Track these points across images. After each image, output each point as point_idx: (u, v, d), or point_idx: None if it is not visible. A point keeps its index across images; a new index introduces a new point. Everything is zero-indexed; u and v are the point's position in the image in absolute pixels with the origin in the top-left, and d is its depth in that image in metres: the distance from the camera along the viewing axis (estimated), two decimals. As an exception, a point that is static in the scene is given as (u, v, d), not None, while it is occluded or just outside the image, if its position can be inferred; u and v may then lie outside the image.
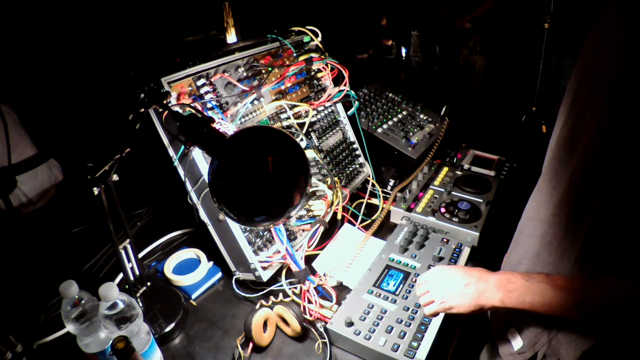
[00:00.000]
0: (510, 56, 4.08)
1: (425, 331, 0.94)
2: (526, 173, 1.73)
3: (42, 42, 1.84)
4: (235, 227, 1.06)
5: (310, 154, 1.28)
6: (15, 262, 1.32)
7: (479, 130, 2.75)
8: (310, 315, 1.04)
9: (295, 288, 1.12)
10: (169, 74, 1.00)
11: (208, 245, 1.18)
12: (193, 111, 0.84)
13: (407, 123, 1.71)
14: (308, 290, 1.08)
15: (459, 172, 1.59)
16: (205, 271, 1.22)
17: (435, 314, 0.87)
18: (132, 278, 1.04)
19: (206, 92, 1.09)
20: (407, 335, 0.93)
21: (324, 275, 1.17)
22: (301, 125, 1.31)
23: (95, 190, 0.88)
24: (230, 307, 1.13)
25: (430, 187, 1.50)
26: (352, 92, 1.43)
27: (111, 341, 0.74)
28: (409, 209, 1.38)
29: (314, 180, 1.25)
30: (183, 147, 1.02)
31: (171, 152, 1.05)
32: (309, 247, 1.22)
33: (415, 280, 1.08)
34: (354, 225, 1.36)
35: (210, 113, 1.07)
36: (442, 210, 1.36)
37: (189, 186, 1.06)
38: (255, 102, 1.21)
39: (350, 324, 0.96)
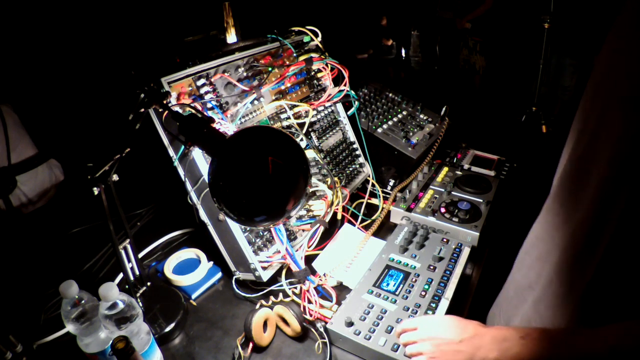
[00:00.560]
0: (510, 56, 4.08)
1: (425, 331, 0.94)
2: (526, 173, 1.73)
3: (43, 42, 1.84)
4: (235, 227, 1.06)
5: (310, 154, 1.28)
6: (15, 262, 1.32)
7: (479, 130, 2.75)
8: (310, 315, 1.04)
9: (295, 288, 1.12)
10: (169, 74, 1.00)
11: (208, 245, 1.18)
12: (193, 111, 0.84)
13: (407, 123, 1.71)
14: (308, 290, 1.08)
15: (459, 172, 1.59)
16: (205, 271, 1.22)
17: None
18: (132, 278, 1.04)
19: (206, 92, 1.09)
20: (407, 335, 0.93)
21: (324, 275, 1.17)
22: (301, 125, 1.31)
23: (95, 190, 0.88)
24: (230, 307, 1.13)
25: (430, 187, 1.50)
26: (352, 92, 1.43)
27: (111, 341, 0.74)
28: (409, 209, 1.38)
29: (314, 180, 1.25)
30: (183, 147, 1.01)
31: (171, 152, 1.05)
32: (309, 247, 1.22)
33: (415, 280, 1.09)
34: (354, 225, 1.36)
35: (210, 113, 1.07)
36: (442, 210, 1.36)
37: (189, 186, 1.06)
38: (255, 102, 1.21)
39: (350, 324, 0.96)
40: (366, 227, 1.37)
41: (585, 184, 0.68)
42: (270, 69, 1.23)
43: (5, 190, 1.52)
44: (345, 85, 1.40)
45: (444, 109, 1.75)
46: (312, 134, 1.38)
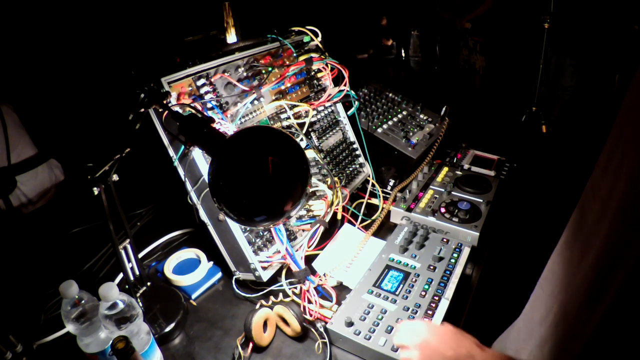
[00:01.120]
0: (510, 56, 4.08)
1: (425, 331, 0.94)
2: (526, 173, 1.73)
3: (43, 42, 1.84)
4: (235, 227, 1.06)
5: (310, 154, 1.28)
6: (15, 262, 1.32)
7: (479, 130, 2.75)
8: (310, 315, 1.04)
9: (295, 288, 1.12)
10: (169, 74, 1.00)
11: (208, 245, 1.18)
12: (193, 111, 0.84)
13: (407, 123, 1.71)
14: (308, 290, 1.08)
15: (459, 172, 1.59)
16: (205, 271, 1.22)
17: None
18: (132, 278, 1.04)
19: (206, 92, 1.09)
20: (407, 335, 0.93)
21: (324, 275, 1.17)
22: (301, 125, 1.31)
23: (95, 190, 0.88)
24: (230, 307, 1.13)
25: (430, 187, 1.50)
26: (352, 92, 1.43)
27: (111, 341, 0.74)
28: (409, 209, 1.38)
29: (314, 180, 1.25)
30: (183, 147, 1.02)
31: (171, 152, 1.05)
32: (309, 247, 1.22)
33: (415, 280, 1.09)
34: (354, 225, 1.36)
35: (210, 113, 1.07)
36: (442, 210, 1.36)
37: (189, 186, 1.06)
38: (255, 102, 1.21)
39: (350, 324, 0.96)
40: (366, 227, 1.37)
41: (599, 226, 0.64)
42: (270, 69, 1.23)
43: (5, 190, 1.52)
44: (345, 85, 1.40)
45: (444, 109, 1.75)
46: (312, 134, 1.38)
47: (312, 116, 1.35)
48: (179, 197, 1.09)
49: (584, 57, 3.45)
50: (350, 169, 1.49)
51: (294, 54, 1.34)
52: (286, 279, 1.14)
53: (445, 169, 1.61)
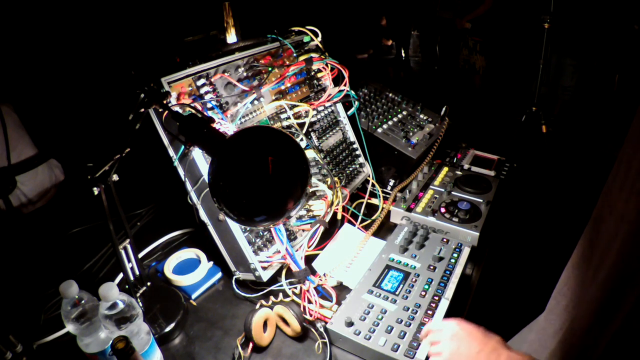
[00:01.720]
0: (510, 56, 4.08)
1: (425, 331, 0.94)
2: (526, 173, 1.73)
3: (43, 42, 1.84)
4: (235, 227, 1.06)
5: (310, 154, 1.28)
6: (15, 262, 1.32)
7: (479, 130, 2.75)
8: (310, 315, 1.04)
9: (295, 288, 1.12)
10: (169, 74, 1.00)
11: (208, 245, 1.18)
12: (193, 111, 0.84)
13: (407, 123, 1.71)
14: (308, 290, 1.08)
15: (459, 172, 1.59)
16: (205, 271, 1.22)
17: None
18: (132, 278, 1.04)
19: (206, 92, 1.09)
20: (407, 335, 0.93)
21: (324, 275, 1.17)
22: (301, 125, 1.31)
23: (95, 190, 0.88)
24: (230, 307, 1.13)
25: (430, 187, 1.50)
26: (352, 92, 1.43)
27: (111, 341, 0.74)
28: (409, 209, 1.38)
29: (314, 180, 1.25)
30: (183, 147, 1.02)
31: (171, 152, 1.05)
32: (309, 247, 1.22)
33: (415, 280, 1.09)
34: (354, 225, 1.36)
35: (210, 113, 1.07)
36: (442, 210, 1.36)
37: (189, 186, 1.06)
38: (255, 102, 1.21)
39: (350, 324, 0.96)
40: (366, 227, 1.37)
41: (612, 244, 0.65)
42: (270, 69, 1.23)
43: (5, 190, 1.52)
44: (345, 85, 1.40)
45: (444, 109, 1.75)
46: (312, 134, 1.38)
47: (312, 116, 1.35)
48: (179, 197, 1.09)
49: (584, 57, 3.45)
50: (350, 169, 1.49)
51: (294, 54, 1.34)
52: (286, 279, 1.14)
53: (445, 169, 1.61)
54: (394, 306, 1.01)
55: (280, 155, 0.77)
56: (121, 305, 0.82)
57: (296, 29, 1.38)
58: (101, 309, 0.82)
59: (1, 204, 1.51)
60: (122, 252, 0.99)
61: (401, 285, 1.08)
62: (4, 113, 1.52)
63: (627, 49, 3.29)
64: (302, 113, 1.32)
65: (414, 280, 1.09)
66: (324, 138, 1.42)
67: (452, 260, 1.16)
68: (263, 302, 1.11)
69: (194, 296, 1.17)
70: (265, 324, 1.01)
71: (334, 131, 1.46)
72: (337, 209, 1.29)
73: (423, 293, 1.05)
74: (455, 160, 1.69)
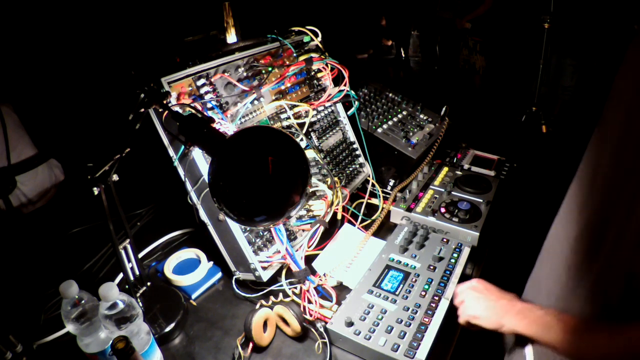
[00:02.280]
0: (510, 56, 4.08)
1: (425, 331, 0.94)
2: (526, 173, 1.73)
3: (43, 42, 1.84)
4: (235, 227, 1.06)
5: (310, 154, 1.28)
6: (15, 262, 1.32)
7: (479, 130, 2.75)
8: (310, 315, 1.04)
9: (295, 288, 1.12)
10: (169, 74, 1.00)
11: (208, 245, 1.18)
12: (193, 111, 0.84)
13: (407, 123, 1.71)
14: (308, 290, 1.08)
15: (459, 172, 1.59)
16: (205, 271, 1.22)
17: (465, 323, 0.92)
18: (132, 278, 1.04)
19: (206, 92, 1.09)
20: (407, 335, 0.93)
21: (324, 275, 1.17)
22: (301, 125, 1.31)
23: (95, 190, 0.88)
24: (230, 307, 1.13)
25: (430, 187, 1.50)
26: (352, 92, 1.43)
27: (111, 341, 0.74)
28: (409, 209, 1.38)
29: (314, 180, 1.25)
30: (183, 147, 1.01)
31: (171, 152, 1.05)
32: (309, 247, 1.22)
33: (415, 280, 1.09)
34: (354, 225, 1.36)
35: (210, 113, 1.07)
36: (442, 210, 1.36)
37: (189, 186, 1.06)
38: (255, 102, 1.21)
39: (350, 324, 0.96)
40: (366, 227, 1.37)
41: (594, 188, 0.73)
42: (270, 69, 1.23)
43: (4, 190, 1.52)
44: (345, 85, 1.40)
45: (444, 109, 1.75)
46: (312, 134, 1.38)
47: (312, 116, 1.35)
48: (179, 197, 1.09)
49: (584, 57, 3.45)
50: (350, 169, 1.49)
51: (294, 54, 1.34)
52: (286, 279, 1.14)
53: (445, 169, 1.61)
54: (394, 306, 1.01)
55: (280, 155, 0.77)
56: (121, 305, 0.82)
57: (296, 29, 1.38)
58: (101, 309, 0.82)
59: (1, 204, 1.51)
60: (122, 252, 0.99)
61: (401, 285, 1.08)
62: (4, 113, 1.52)
63: (627, 49, 3.28)
64: (302, 113, 1.32)
65: (414, 280, 1.09)
66: (324, 138, 1.42)
67: (452, 260, 1.16)
68: (263, 302, 1.11)
69: (194, 296, 1.17)
70: (265, 324, 1.01)
71: (334, 131, 1.46)
72: (337, 209, 1.29)
73: (423, 293, 1.05)
74: (455, 160, 1.69)
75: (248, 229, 1.11)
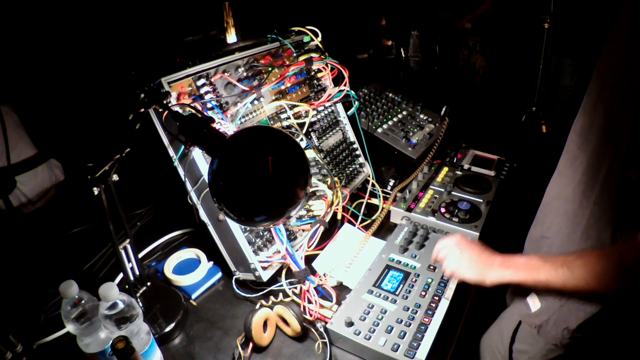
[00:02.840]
0: (510, 56, 4.08)
1: (425, 331, 0.94)
2: (526, 173, 1.73)
3: (43, 42, 1.84)
4: (235, 227, 1.06)
5: (310, 154, 1.28)
6: (15, 262, 1.32)
7: (479, 130, 2.75)
8: (310, 315, 1.04)
9: (295, 288, 1.12)
10: (169, 74, 1.00)
11: (208, 245, 1.18)
12: (193, 111, 0.84)
13: (407, 123, 1.71)
14: (308, 290, 1.08)
15: (459, 172, 1.59)
16: (205, 271, 1.22)
17: (451, 275, 0.98)
18: (132, 278, 1.04)
19: (206, 92, 1.09)
20: (407, 335, 0.93)
21: (324, 275, 1.17)
22: (301, 125, 1.31)
23: (95, 190, 0.88)
24: (230, 307, 1.13)
25: (430, 187, 1.50)
26: (352, 92, 1.43)
27: (111, 341, 0.74)
28: (409, 209, 1.38)
29: (314, 180, 1.25)
30: (183, 147, 1.01)
31: (171, 152, 1.05)
32: (309, 247, 1.22)
33: (415, 280, 1.09)
34: (354, 225, 1.36)
35: (210, 113, 1.07)
36: (442, 210, 1.36)
37: (189, 186, 1.06)
38: (255, 102, 1.21)
39: (350, 324, 0.96)
40: (366, 227, 1.37)
41: (587, 146, 0.85)
42: (270, 69, 1.23)
43: (4, 190, 1.52)
44: (345, 85, 1.40)
45: (444, 109, 1.75)
46: (312, 134, 1.38)
47: (312, 116, 1.35)
48: (179, 197, 1.09)
49: (584, 57, 3.45)
50: (350, 169, 1.49)
51: (294, 54, 1.34)
52: (286, 279, 1.14)
53: (445, 169, 1.61)
54: (394, 306, 1.01)
55: (280, 155, 0.77)
56: (121, 305, 0.82)
57: (296, 29, 1.38)
58: (101, 309, 0.82)
59: (1, 204, 1.51)
60: (122, 252, 0.99)
61: (401, 285, 1.08)
62: (3, 113, 1.51)
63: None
64: (302, 113, 1.32)
65: (414, 280, 1.09)
66: (324, 138, 1.42)
67: (452, 260, 1.15)
68: (263, 302, 1.11)
69: (194, 296, 1.17)
70: (265, 324, 1.01)
71: (334, 131, 1.46)
72: (337, 209, 1.29)
73: (423, 293, 1.05)
74: (455, 160, 1.69)
75: (248, 229, 1.11)
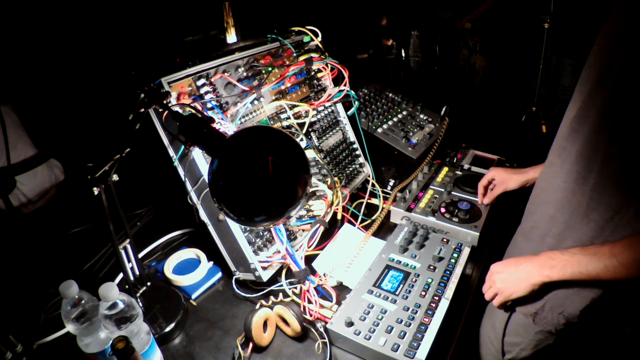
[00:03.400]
0: (510, 56, 4.08)
1: (425, 331, 0.94)
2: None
3: (43, 42, 1.84)
4: (235, 227, 1.06)
5: (310, 154, 1.28)
6: (15, 262, 1.32)
7: (479, 130, 2.75)
8: (310, 315, 1.04)
9: (295, 288, 1.12)
10: (169, 74, 1.00)
11: (208, 245, 1.18)
12: (193, 111, 0.84)
13: (407, 123, 1.71)
14: (308, 290, 1.08)
15: (459, 172, 1.59)
16: (205, 271, 1.22)
17: (502, 304, 1.00)
18: (132, 278, 1.04)
19: (206, 92, 1.09)
20: (407, 335, 0.93)
21: (324, 275, 1.17)
22: (301, 125, 1.31)
23: (95, 190, 0.88)
24: (230, 307, 1.13)
25: (430, 187, 1.50)
26: (352, 92, 1.43)
27: (111, 341, 0.74)
28: (409, 209, 1.38)
29: (314, 180, 1.25)
30: (183, 147, 1.02)
31: (171, 152, 1.05)
32: (309, 247, 1.22)
33: (415, 280, 1.09)
34: (354, 225, 1.36)
35: (210, 113, 1.07)
36: (442, 210, 1.36)
37: (189, 186, 1.06)
38: (255, 102, 1.21)
39: (350, 324, 0.96)
40: (366, 227, 1.37)
41: (577, 137, 0.88)
42: (270, 69, 1.23)
43: (4, 190, 1.52)
44: (345, 85, 1.40)
45: (444, 109, 1.75)
46: (312, 134, 1.38)
47: (312, 116, 1.35)
48: (179, 197, 1.09)
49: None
50: (350, 169, 1.49)
51: (294, 54, 1.34)
52: (286, 279, 1.14)
53: (445, 169, 1.61)
54: (394, 306, 1.01)
55: (280, 155, 0.77)
56: (121, 305, 0.82)
57: (296, 29, 1.38)
58: (101, 309, 0.82)
59: (1, 204, 1.51)
60: (122, 252, 0.99)
61: (401, 285, 1.08)
62: (3, 113, 1.51)
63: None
64: (302, 113, 1.32)
65: (414, 280, 1.09)
66: (324, 138, 1.42)
67: (452, 260, 1.16)
68: (263, 302, 1.11)
69: (194, 296, 1.17)
70: (265, 324, 1.01)
71: (334, 131, 1.46)
72: (337, 209, 1.29)
73: (423, 293, 1.05)
74: (455, 160, 1.69)
75: (248, 229, 1.11)
